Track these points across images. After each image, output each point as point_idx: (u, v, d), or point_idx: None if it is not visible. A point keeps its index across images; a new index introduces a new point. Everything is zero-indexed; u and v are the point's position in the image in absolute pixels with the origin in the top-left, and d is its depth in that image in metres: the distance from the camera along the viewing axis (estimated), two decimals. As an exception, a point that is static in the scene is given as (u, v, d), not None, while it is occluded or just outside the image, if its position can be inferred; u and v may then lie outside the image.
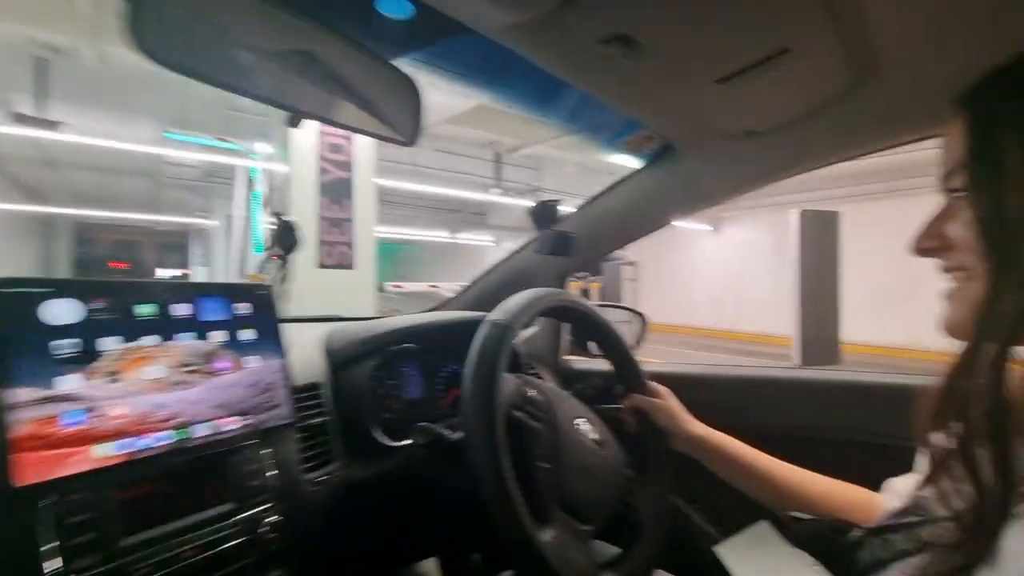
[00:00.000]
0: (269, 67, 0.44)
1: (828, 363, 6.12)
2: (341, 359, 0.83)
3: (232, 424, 0.64)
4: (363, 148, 4.82)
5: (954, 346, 0.38)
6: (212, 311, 0.67)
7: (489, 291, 1.24)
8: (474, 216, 13.54)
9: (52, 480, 0.50)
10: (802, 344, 6.13)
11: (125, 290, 0.61)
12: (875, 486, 0.62)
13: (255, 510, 0.62)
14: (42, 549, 0.48)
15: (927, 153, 0.42)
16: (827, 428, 0.92)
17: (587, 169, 8.88)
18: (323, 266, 4.62)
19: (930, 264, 0.44)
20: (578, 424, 0.71)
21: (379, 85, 0.55)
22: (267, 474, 0.65)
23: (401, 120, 0.58)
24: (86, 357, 0.55)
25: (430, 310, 1.30)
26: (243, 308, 0.70)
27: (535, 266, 1.18)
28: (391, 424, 0.90)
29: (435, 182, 8.60)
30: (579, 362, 1.27)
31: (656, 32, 0.53)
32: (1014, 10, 0.49)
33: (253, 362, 0.68)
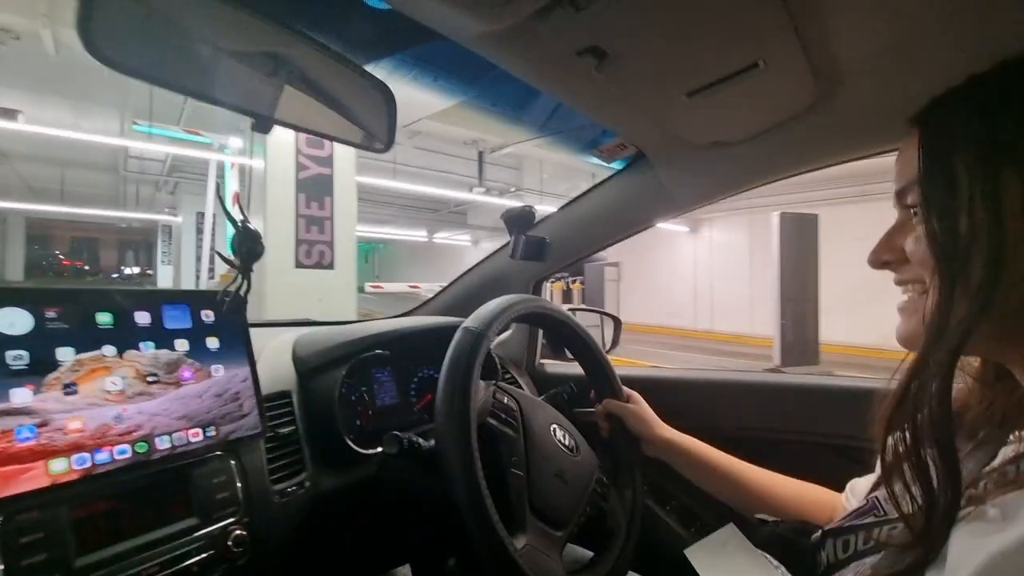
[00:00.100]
0: (235, 72, 0.43)
1: (808, 363, 6.26)
2: (310, 367, 0.82)
3: (196, 436, 0.62)
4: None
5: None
6: (176, 319, 0.64)
7: (463, 295, 1.24)
8: (453, 215, 13.46)
9: (1, 499, 0.47)
10: (782, 345, 6.26)
11: (82, 298, 0.58)
12: (839, 486, 0.65)
13: (220, 524, 0.61)
14: None
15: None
16: (794, 430, 0.95)
17: (568, 169, 8.95)
18: (301, 266, 4.51)
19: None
20: (552, 430, 0.72)
21: (351, 91, 0.54)
22: (233, 486, 0.64)
23: (374, 127, 0.57)
24: (40, 368, 0.53)
25: (404, 314, 1.29)
26: (208, 315, 0.67)
27: (509, 270, 1.18)
28: (363, 431, 0.88)
29: (415, 180, 8.51)
30: (555, 366, 1.28)
31: (628, 46, 0.53)
32: (970, 33, 0.51)
33: (219, 371, 0.66)
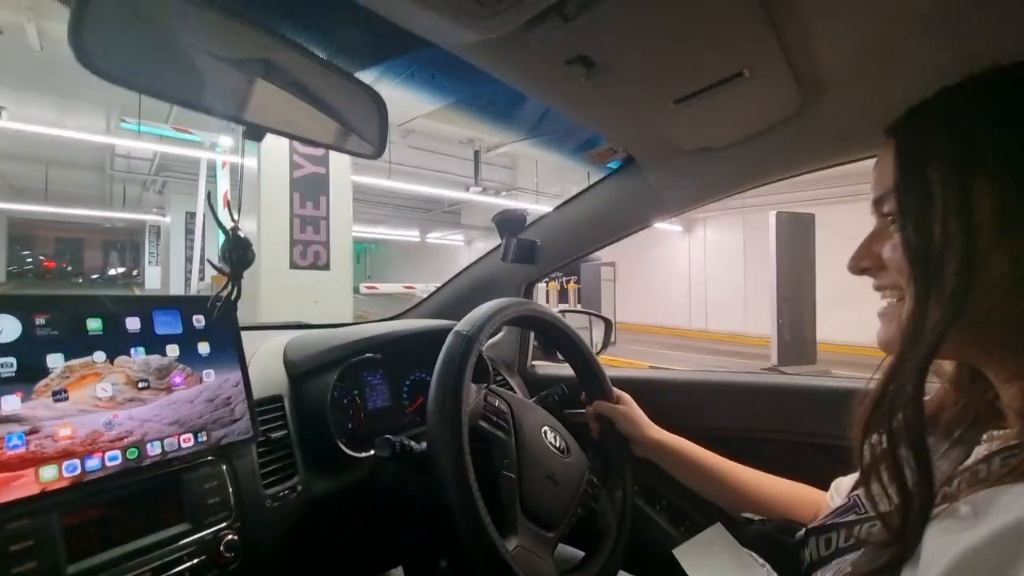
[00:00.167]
0: (228, 80, 0.43)
1: (805, 362, 6.25)
2: (301, 371, 0.82)
3: (187, 441, 0.62)
4: (341, 142, 4.70)
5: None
6: (166, 324, 0.64)
7: (455, 298, 1.25)
8: (446, 215, 13.41)
9: (-9, 507, 0.47)
10: (779, 344, 6.25)
11: (72, 304, 0.58)
12: (825, 485, 0.66)
13: (212, 529, 0.61)
14: None
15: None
16: (781, 430, 0.96)
17: (563, 168, 8.94)
18: (296, 267, 4.42)
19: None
20: (543, 432, 0.73)
21: (342, 97, 0.54)
22: (225, 491, 0.64)
23: (366, 133, 0.58)
24: (29, 375, 0.53)
25: (395, 317, 1.29)
26: (199, 320, 0.67)
27: (501, 273, 1.19)
28: (355, 434, 0.89)
29: (410, 179, 8.45)
30: (547, 367, 1.29)
31: (615, 56, 0.54)
32: (948, 44, 0.53)
33: (210, 376, 0.66)
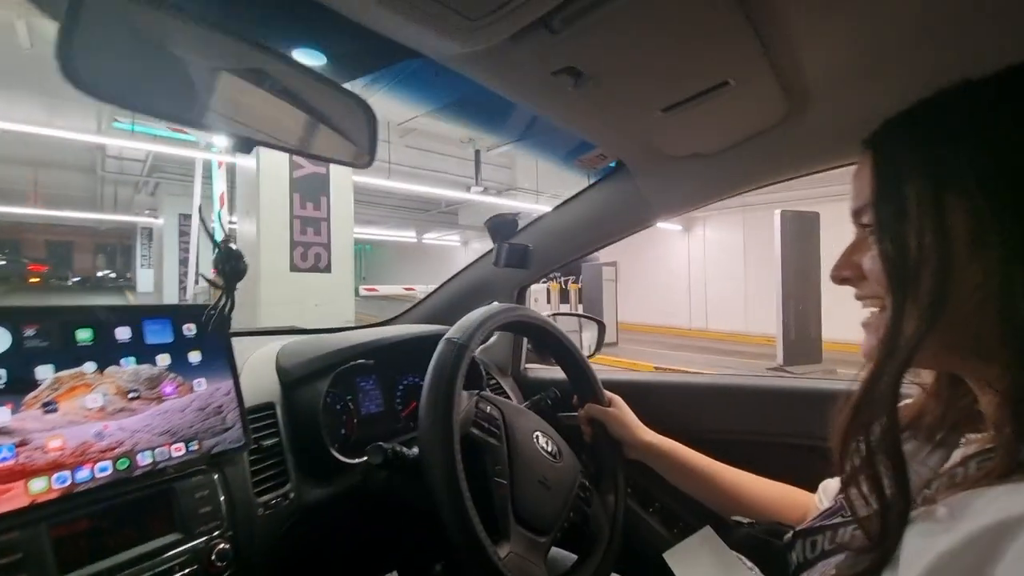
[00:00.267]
0: (217, 94, 0.43)
1: (811, 362, 6.20)
2: (294, 378, 0.82)
3: (179, 451, 0.62)
4: (341, 140, 4.61)
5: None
6: (157, 334, 0.64)
7: (448, 302, 1.25)
8: (443, 215, 13.36)
9: (-21, 520, 0.47)
10: (784, 344, 6.22)
11: (62, 315, 0.58)
12: (815, 487, 0.66)
13: (203, 538, 0.61)
14: None
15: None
16: (771, 432, 0.97)
17: (560, 167, 8.90)
18: (297, 269, 4.31)
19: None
20: (534, 437, 0.73)
21: (331, 108, 0.55)
22: (216, 500, 0.64)
23: (355, 143, 0.58)
24: (18, 387, 0.53)
25: (388, 321, 1.29)
26: (190, 329, 0.67)
27: (493, 277, 1.20)
28: (349, 440, 0.89)
29: (408, 179, 8.39)
30: (540, 370, 1.29)
31: (602, 66, 0.55)
32: (931, 54, 0.54)
33: (201, 385, 0.66)
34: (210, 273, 0.59)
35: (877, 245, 0.40)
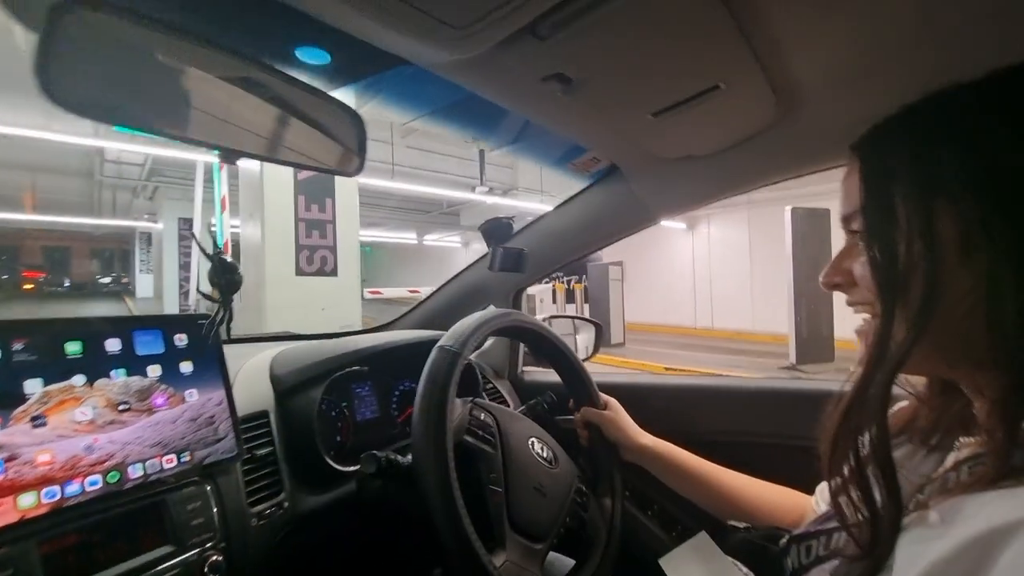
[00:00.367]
0: (200, 107, 0.43)
1: (823, 360, 6.14)
2: (287, 386, 0.82)
3: (170, 462, 0.61)
4: (346, 140, 4.52)
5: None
6: (147, 345, 0.64)
7: (444, 306, 1.25)
8: (444, 216, 13.32)
9: (-33, 537, 0.47)
10: (797, 342, 6.15)
11: (50, 328, 0.57)
12: (811, 488, 0.66)
13: (196, 551, 0.60)
14: None
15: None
16: (769, 434, 0.97)
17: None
18: (302, 273, 4.21)
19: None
20: (529, 443, 0.73)
21: (318, 118, 0.54)
22: (209, 511, 0.63)
23: (344, 152, 0.58)
24: (7, 402, 0.52)
25: (384, 326, 1.29)
26: (182, 339, 0.67)
27: (489, 281, 1.19)
28: (344, 447, 0.88)
29: (410, 180, 8.35)
30: (537, 373, 1.29)
31: (591, 72, 0.55)
32: (917, 58, 0.53)
33: (193, 395, 0.66)
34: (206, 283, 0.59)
35: (866, 251, 0.39)
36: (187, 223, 10.50)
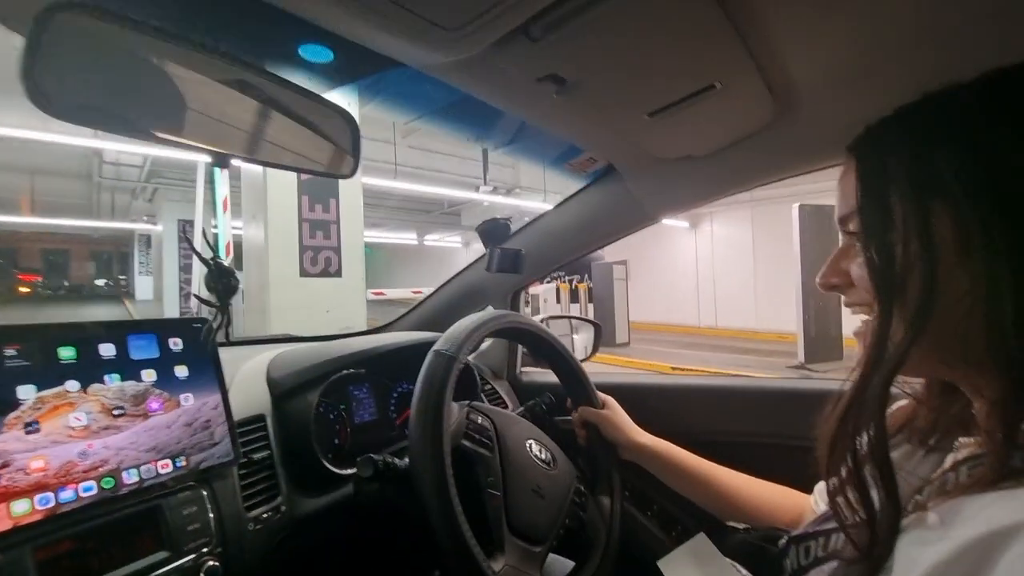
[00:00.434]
0: (192, 112, 0.42)
1: (832, 359, 6.10)
2: (284, 389, 0.81)
3: (165, 467, 0.61)
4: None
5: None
6: (142, 349, 0.64)
7: (442, 307, 1.24)
8: (445, 216, 13.28)
9: (-40, 545, 0.47)
10: (805, 341, 6.10)
11: (43, 334, 0.57)
12: (811, 487, 0.66)
13: (192, 556, 0.60)
14: None
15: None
16: (768, 433, 0.96)
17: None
18: (306, 274, 4.14)
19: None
20: (527, 445, 0.72)
21: (312, 121, 0.54)
22: (205, 516, 0.63)
23: (338, 154, 0.57)
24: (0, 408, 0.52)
25: (381, 328, 1.29)
26: (177, 344, 0.67)
27: (487, 282, 1.19)
28: (342, 450, 0.88)
29: (412, 180, 8.31)
30: (536, 374, 1.28)
31: (585, 73, 0.54)
32: (915, 58, 0.53)
33: (188, 400, 0.66)
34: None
35: (863, 252, 0.39)
36: (187, 224, 10.47)
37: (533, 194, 9.30)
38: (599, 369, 0.93)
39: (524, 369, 1.29)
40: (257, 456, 0.72)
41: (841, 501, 0.39)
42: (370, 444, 0.90)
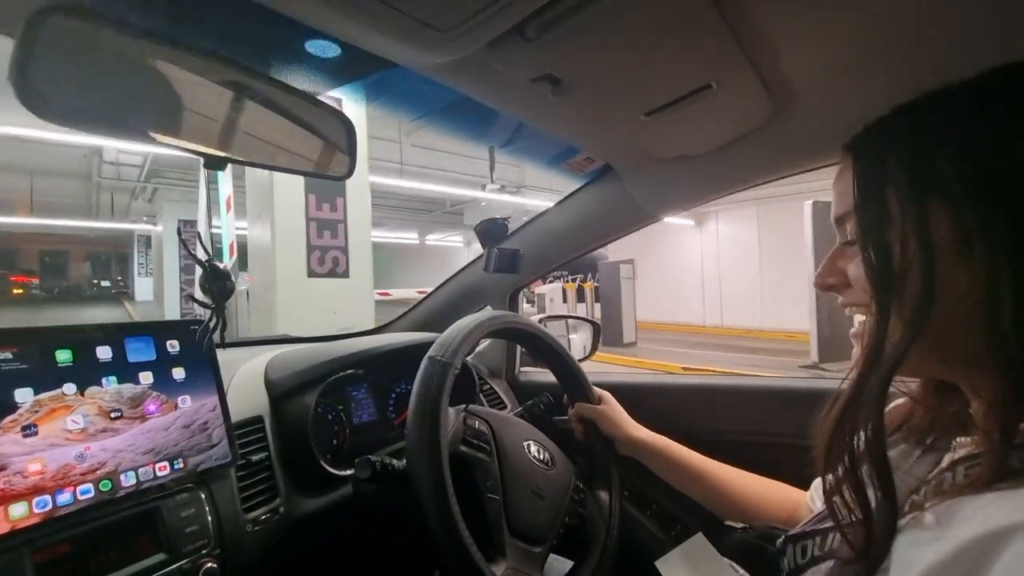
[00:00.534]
0: (186, 114, 0.42)
1: (845, 359, 6.12)
2: (282, 390, 0.81)
3: (163, 469, 0.61)
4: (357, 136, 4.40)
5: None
6: (139, 352, 0.64)
7: (441, 307, 1.24)
8: (447, 216, 13.25)
9: (-42, 548, 0.47)
10: (819, 340, 6.03)
11: (40, 337, 0.57)
12: (807, 485, 0.66)
13: (190, 558, 0.60)
14: None
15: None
16: (767, 432, 0.96)
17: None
18: (314, 275, 4.10)
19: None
20: (525, 447, 0.72)
21: (307, 122, 0.54)
22: (203, 518, 0.63)
23: (334, 155, 0.57)
24: (-4, 411, 0.52)
25: (379, 328, 1.29)
26: (174, 346, 0.67)
27: (486, 282, 1.19)
28: (341, 451, 0.88)
29: (417, 179, 8.28)
30: (535, 373, 1.28)
31: (580, 73, 0.54)
32: (913, 57, 0.53)
33: (186, 402, 0.66)
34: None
35: (861, 252, 0.39)
36: (188, 224, 10.45)
37: (539, 192, 9.29)
38: (602, 369, 0.93)
39: (523, 369, 1.29)
40: (255, 457, 0.72)
41: (838, 501, 0.39)
42: (369, 445, 0.90)
